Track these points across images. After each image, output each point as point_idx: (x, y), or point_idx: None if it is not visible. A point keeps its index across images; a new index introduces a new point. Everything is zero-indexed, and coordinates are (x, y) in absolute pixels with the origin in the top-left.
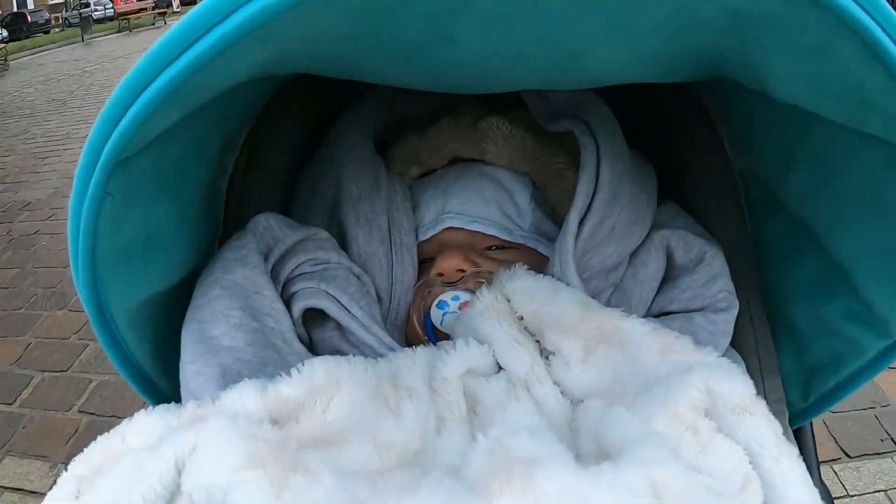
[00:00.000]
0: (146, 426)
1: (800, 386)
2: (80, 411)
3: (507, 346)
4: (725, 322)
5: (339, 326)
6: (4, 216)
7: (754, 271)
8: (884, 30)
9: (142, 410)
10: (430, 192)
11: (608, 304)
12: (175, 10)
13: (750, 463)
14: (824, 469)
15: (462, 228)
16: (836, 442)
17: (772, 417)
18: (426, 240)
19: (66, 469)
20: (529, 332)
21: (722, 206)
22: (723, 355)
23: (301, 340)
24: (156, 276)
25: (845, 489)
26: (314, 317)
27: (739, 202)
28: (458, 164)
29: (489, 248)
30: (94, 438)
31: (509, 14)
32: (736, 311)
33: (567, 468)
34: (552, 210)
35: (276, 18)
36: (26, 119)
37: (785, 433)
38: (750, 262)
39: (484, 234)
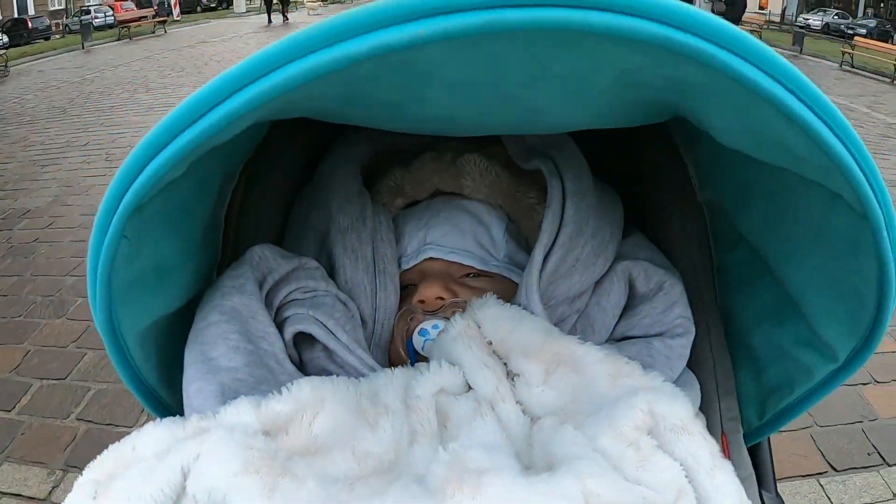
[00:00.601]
0: (155, 436)
1: (757, 405)
2: (78, 419)
3: (475, 369)
4: (682, 347)
5: (326, 348)
6: (4, 223)
7: (715, 297)
8: (798, 97)
9: (150, 423)
10: (413, 224)
11: (573, 329)
12: (175, 18)
13: (686, 477)
14: (811, 482)
15: (441, 259)
16: (823, 455)
17: (708, 436)
18: (408, 268)
19: (78, 474)
20: (498, 356)
21: (687, 234)
22: (679, 377)
23: (292, 361)
24: (162, 301)
25: (831, 502)
26: (304, 339)
27: (704, 231)
28: (438, 197)
29: (466, 276)
30: (93, 446)
31: (471, 82)
32: (692, 337)
33: (511, 478)
34: (525, 241)
35: (279, 96)
36: (26, 126)
37: (738, 449)
38: (712, 288)
39: (461, 264)
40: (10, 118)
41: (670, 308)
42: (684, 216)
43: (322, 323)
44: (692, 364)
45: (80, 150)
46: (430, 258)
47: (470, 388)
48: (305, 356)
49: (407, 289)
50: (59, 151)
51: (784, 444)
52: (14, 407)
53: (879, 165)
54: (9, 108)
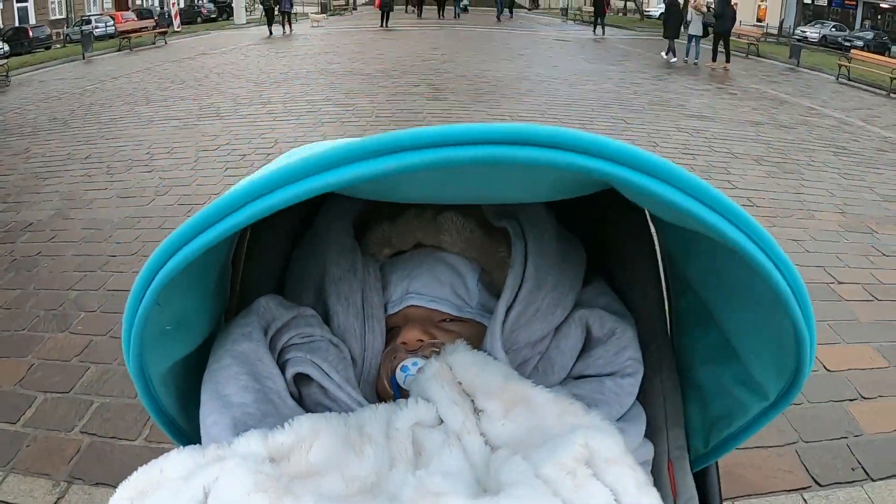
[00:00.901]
0: (179, 461)
1: (703, 435)
2: (81, 432)
3: (446, 405)
4: (631, 385)
5: (321, 386)
6: (6, 236)
7: (668, 338)
8: (683, 192)
9: (175, 450)
10: (398, 274)
11: (535, 369)
12: (176, 28)
13: (615, 501)
14: (794, 497)
15: (422, 306)
16: (808, 471)
17: (636, 467)
18: (393, 313)
19: (83, 485)
20: (466, 394)
21: (644, 279)
22: (628, 411)
23: (292, 396)
24: (182, 346)
25: None
26: (302, 378)
27: (660, 277)
28: (420, 249)
29: (443, 321)
30: (97, 458)
31: (435, 184)
32: (640, 376)
33: (463, 500)
34: (497, 290)
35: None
36: (27, 137)
37: (684, 475)
38: (665, 329)
39: (439, 310)
40: (11, 129)
41: (621, 351)
42: (642, 262)
43: (318, 365)
44: (644, 398)
45: (81, 163)
46: (413, 305)
47: (442, 421)
48: (304, 392)
49: (392, 331)
50: (60, 164)
51: (770, 459)
52: (19, 419)
53: (873, 180)
54: (10, 118)
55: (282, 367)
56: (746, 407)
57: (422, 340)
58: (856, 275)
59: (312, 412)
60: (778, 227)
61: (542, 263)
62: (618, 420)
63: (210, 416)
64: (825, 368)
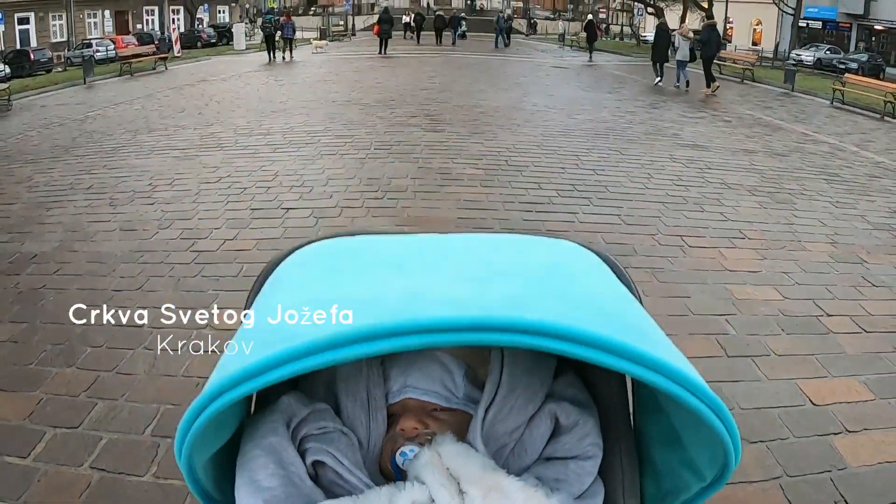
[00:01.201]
0: None
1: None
2: (91, 467)
3: (437, 487)
4: (591, 466)
5: (335, 470)
6: (11, 268)
7: (629, 421)
8: (568, 339)
9: None
10: (397, 370)
11: (512, 451)
12: (176, 54)
13: None
14: None
15: (417, 399)
16: None
17: None
18: (393, 403)
19: None
20: (453, 478)
21: (609, 370)
22: (588, 488)
23: (311, 477)
24: (219, 441)
25: None
26: (319, 462)
27: None
28: None
29: (435, 410)
30: (107, 494)
31: None
32: (600, 458)
33: None
34: (481, 383)
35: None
36: (30, 165)
37: None
38: (626, 413)
39: (431, 402)
40: (14, 156)
41: (584, 438)
42: None
43: (331, 453)
44: (605, 474)
45: (83, 193)
46: (409, 397)
47: (433, 501)
48: (320, 473)
49: (392, 417)
50: (63, 194)
51: (754, 494)
52: (29, 454)
53: (865, 208)
54: (12, 145)
55: (302, 453)
56: (688, 485)
57: (417, 428)
58: (844, 306)
59: (328, 490)
60: (769, 259)
61: (516, 370)
62: (578, 497)
63: (245, 500)
64: (811, 402)
